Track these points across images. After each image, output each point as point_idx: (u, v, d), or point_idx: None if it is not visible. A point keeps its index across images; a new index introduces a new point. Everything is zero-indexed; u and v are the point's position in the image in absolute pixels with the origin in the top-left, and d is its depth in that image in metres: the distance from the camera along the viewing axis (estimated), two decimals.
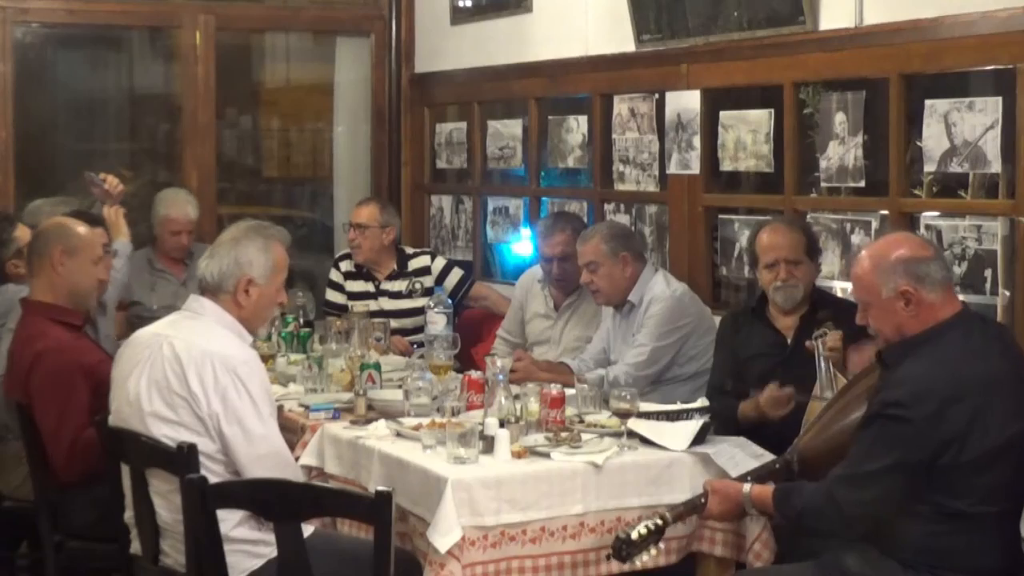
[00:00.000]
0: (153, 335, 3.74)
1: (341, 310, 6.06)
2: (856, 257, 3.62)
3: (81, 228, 4.60)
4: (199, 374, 3.57)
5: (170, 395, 3.60)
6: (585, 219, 5.95)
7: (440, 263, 6.29)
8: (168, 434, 3.58)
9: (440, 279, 6.21)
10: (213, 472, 3.55)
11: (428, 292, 6.02)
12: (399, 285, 6.17)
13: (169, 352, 3.63)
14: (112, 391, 3.81)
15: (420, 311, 5.74)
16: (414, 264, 6.24)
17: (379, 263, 6.20)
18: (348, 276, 6.28)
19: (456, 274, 6.28)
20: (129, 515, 3.79)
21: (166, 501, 3.64)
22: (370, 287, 6.22)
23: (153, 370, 3.64)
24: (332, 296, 6.29)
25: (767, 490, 3.61)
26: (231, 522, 3.52)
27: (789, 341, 4.57)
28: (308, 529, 3.51)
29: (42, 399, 4.26)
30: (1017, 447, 3.33)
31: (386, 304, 6.14)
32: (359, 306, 6.01)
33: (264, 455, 3.60)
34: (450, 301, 5.46)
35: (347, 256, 6.34)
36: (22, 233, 5.03)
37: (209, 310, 3.73)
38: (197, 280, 3.79)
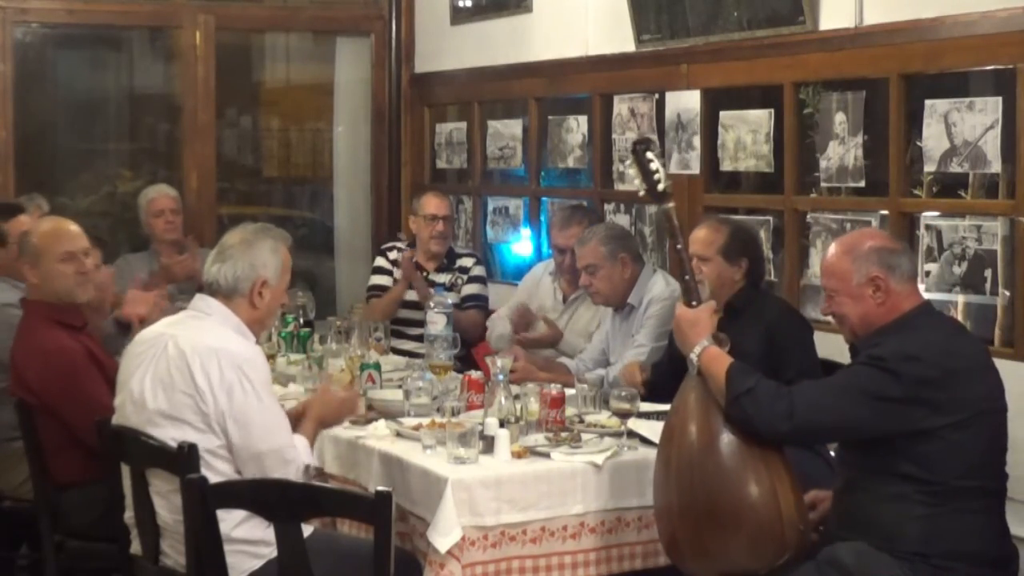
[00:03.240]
0: (157, 334, 3.74)
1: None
2: (828, 250, 3.63)
3: (43, 227, 4.51)
4: (205, 370, 3.57)
5: (174, 393, 3.59)
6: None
7: (478, 271, 6.20)
8: (172, 433, 3.57)
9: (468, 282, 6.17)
10: (217, 470, 3.55)
11: None
12: (444, 277, 6.16)
13: (174, 350, 3.63)
14: (117, 391, 3.81)
15: (459, 305, 5.87)
16: (460, 262, 6.23)
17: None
18: (396, 264, 6.27)
19: (476, 287, 6.16)
20: (129, 515, 3.78)
21: (166, 501, 3.64)
22: None
23: (157, 368, 3.64)
24: (378, 280, 6.24)
25: (725, 356, 3.56)
26: (231, 522, 3.51)
27: None
28: (308, 529, 3.51)
29: (62, 396, 4.26)
30: (990, 423, 3.38)
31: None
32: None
33: (265, 452, 3.60)
34: (450, 302, 5.46)
35: (394, 247, 6.33)
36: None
37: (216, 310, 3.72)
38: (206, 283, 3.78)
